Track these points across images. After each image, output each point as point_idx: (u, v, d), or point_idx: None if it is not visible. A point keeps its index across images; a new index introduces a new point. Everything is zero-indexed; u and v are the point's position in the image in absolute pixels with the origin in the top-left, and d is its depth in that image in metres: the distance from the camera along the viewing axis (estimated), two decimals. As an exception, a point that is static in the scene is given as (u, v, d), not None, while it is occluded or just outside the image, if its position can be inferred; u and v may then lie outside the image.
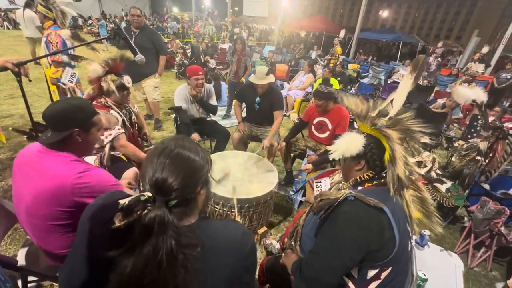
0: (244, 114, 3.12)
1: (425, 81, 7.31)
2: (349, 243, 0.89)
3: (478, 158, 2.80)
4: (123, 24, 10.32)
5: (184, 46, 7.86)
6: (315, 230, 1.01)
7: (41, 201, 1.01)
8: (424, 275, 1.32)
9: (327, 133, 2.63)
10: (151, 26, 8.62)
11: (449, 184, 2.45)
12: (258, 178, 2.13)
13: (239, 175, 2.13)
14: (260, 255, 1.98)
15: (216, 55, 8.49)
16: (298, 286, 0.96)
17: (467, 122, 3.92)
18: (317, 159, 2.43)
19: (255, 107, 2.81)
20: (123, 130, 1.86)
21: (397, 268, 0.95)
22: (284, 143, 2.70)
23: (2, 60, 1.38)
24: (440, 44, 8.73)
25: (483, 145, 2.84)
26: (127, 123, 1.98)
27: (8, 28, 13.73)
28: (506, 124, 3.15)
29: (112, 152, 1.87)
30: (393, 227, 0.90)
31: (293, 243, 1.17)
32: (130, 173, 1.80)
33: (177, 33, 12.51)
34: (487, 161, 2.76)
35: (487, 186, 2.48)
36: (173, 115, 3.28)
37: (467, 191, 2.60)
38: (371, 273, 0.93)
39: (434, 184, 2.43)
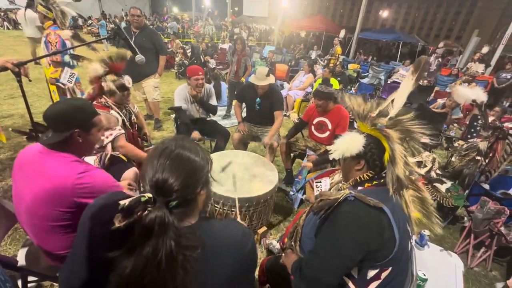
0: (244, 114, 3.12)
1: (425, 81, 7.31)
2: (349, 243, 0.89)
3: (478, 158, 2.80)
4: (123, 24, 10.32)
5: (184, 46, 7.86)
6: (315, 230, 1.01)
7: (41, 201, 1.01)
8: (424, 275, 1.32)
9: (327, 133, 2.63)
10: (151, 26, 8.63)
11: (449, 184, 2.45)
12: (258, 177, 2.13)
13: (240, 174, 2.13)
14: (260, 255, 1.98)
15: (216, 55, 8.49)
16: (298, 286, 0.96)
17: (467, 122, 3.92)
18: (317, 159, 2.44)
19: (255, 107, 2.81)
20: (123, 131, 1.87)
21: (397, 268, 0.95)
22: (285, 140, 2.70)
23: (2, 60, 1.38)
24: (441, 45, 8.73)
25: (483, 145, 2.84)
26: (127, 123, 1.98)
27: (8, 28, 13.73)
28: (506, 124, 3.16)
29: (112, 153, 1.87)
30: (393, 227, 0.90)
31: (293, 243, 1.17)
32: (130, 173, 1.80)
33: (177, 33, 12.51)
34: (487, 161, 2.76)
35: (487, 186, 2.49)
36: (173, 115, 3.28)
37: (467, 191, 2.60)
38: (371, 273, 0.93)
39: (434, 184, 2.43)
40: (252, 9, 14.90)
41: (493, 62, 8.73)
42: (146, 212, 0.59)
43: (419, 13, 36.40)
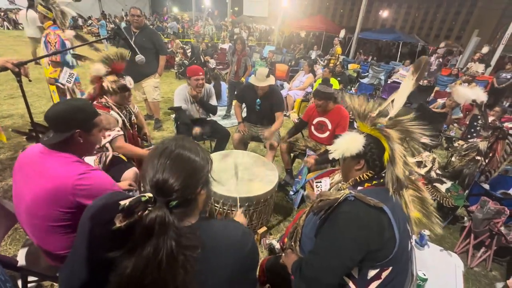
0: (244, 114, 3.12)
1: (425, 81, 7.32)
2: (349, 243, 0.89)
3: (478, 158, 2.80)
4: (123, 24, 10.31)
5: (184, 46, 7.86)
6: (315, 231, 1.01)
7: (41, 201, 1.01)
8: (424, 275, 1.32)
9: (327, 133, 2.63)
10: (151, 26, 8.63)
11: (449, 184, 2.45)
12: (259, 177, 2.13)
13: (239, 175, 2.13)
14: (260, 255, 1.98)
15: (216, 55, 8.49)
16: (298, 286, 0.96)
17: (467, 122, 3.93)
18: (317, 158, 2.44)
19: (255, 108, 2.82)
20: (121, 132, 1.86)
21: (397, 267, 0.95)
22: (286, 138, 2.71)
23: (2, 60, 1.38)
24: (442, 45, 8.74)
25: (483, 145, 2.84)
26: (127, 124, 1.98)
27: (8, 28, 13.72)
28: (506, 124, 3.15)
29: (112, 153, 1.87)
30: (393, 226, 0.90)
31: (293, 243, 1.17)
32: (130, 173, 1.80)
33: (177, 33, 12.51)
34: (487, 161, 2.76)
35: (487, 186, 2.48)
36: (173, 115, 3.28)
37: (467, 191, 2.60)
38: (372, 273, 0.93)
39: (434, 184, 2.43)
40: (252, 9, 14.90)
41: (493, 62, 8.73)
42: (147, 212, 0.59)
43: (419, 13, 36.40)
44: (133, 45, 1.99)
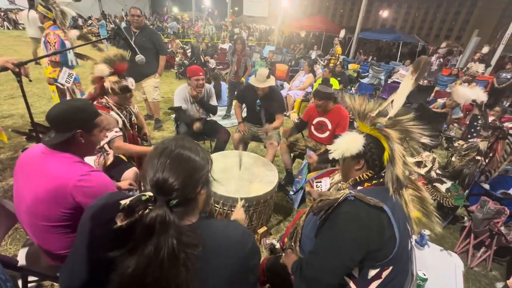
0: (244, 114, 3.12)
1: (425, 81, 7.31)
2: (349, 243, 0.89)
3: (478, 158, 2.80)
4: (123, 24, 10.32)
5: (184, 46, 7.86)
6: (315, 231, 1.01)
7: (42, 201, 1.01)
8: (424, 275, 1.32)
9: (327, 133, 2.63)
10: (151, 26, 8.63)
11: (449, 184, 2.45)
12: (258, 177, 2.13)
13: (239, 175, 2.14)
14: (260, 255, 1.98)
15: (216, 55, 8.49)
16: (298, 286, 0.96)
17: (467, 122, 3.93)
18: (319, 157, 2.44)
19: (255, 108, 2.82)
20: (120, 133, 1.86)
21: (397, 267, 0.95)
22: (288, 133, 2.73)
23: (3, 60, 1.38)
24: (443, 45, 8.74)
25: (483, 145, 2.84)
26: (127, 124, 1.98)
27: (8, 28, 13.73)
28: (506, 124, 3.15)
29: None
30: (393, 226, 0.90)
31: (293, 243, 1.17)
32: (130, 173, 1.80)
33: (177, 33, 12.51)
34: (487, 161, 2.76)
35: (487, 186, 2.48)
36: (173, 115, 3.28)
37: (467, 191, 2.60)
38: (372, 272, 0.93)
39: (434, 184, 2.43)
40: (252, 9, 14.90)
41: (493, 62, 8.73)
42: (147, 211, 0.59)
43: (419, 13, 36.40)
44: (133, 45, 1.99)
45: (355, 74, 8.25)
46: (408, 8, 36.62)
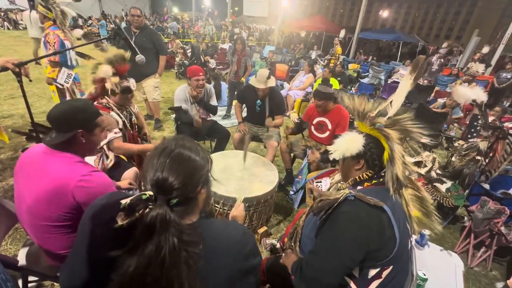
0: (244, 114, 3.13)
1: (425, 81, 7.31)
2: (349, 243, 0.89)
3: (478, 158, 2.80)
4: (123, 24, 10.32)
5: (184, 46, 7.86)
6: (315, 231, 1.01)
7: (43, 201, 1.01)
8: (424, 275, 1.32)
9: (327, 133, 2.63)
10: (151, 26, 8.64)
11: (449, 184, 2.45)
12: (259, 177, 2.14)
13: (239, 175, 2.14)
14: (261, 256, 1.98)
15: (216, 55, 8.49)
16: (298, 286, 0.96)
17: (467, 122, 3.93)
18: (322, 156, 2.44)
19: (256, 109, 2.82)
20: (119, 134, 1.86)
21: (397, 267, 0.95)
22: (289, 132, 2.75)
23: (3, 60, 1.38)
24: (445, 45, 8.74)
25: (483, 145, 2.84)
26: (128, 125, 1.98)
27: (8, 28, 13.72)
28: (506, 124, 3.15)
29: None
30: (394, 226, 0.90)
31: (293, 243, 1.17)
32: (130, 173, 1.80)
33: (177, 33, 12.51)
34: (487, 160, 2.76)
35: (487, 186, 2.48)
36: (173, 115, 3.28)
37: (467, 191, 2.60)
38: (372, 272, 0.93)
39: (434, 184, 2.43)
40: (252, 9, 14.90)
41: (493, 62, 8.73)
42: (147, 210, 0.59)
43: (419, 13, 36.36)
44: (133, 45, 1.99)
45: (355, 74, 8.25)
46: (408, 8, 36.58)
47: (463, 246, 2.25)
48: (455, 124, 4.73)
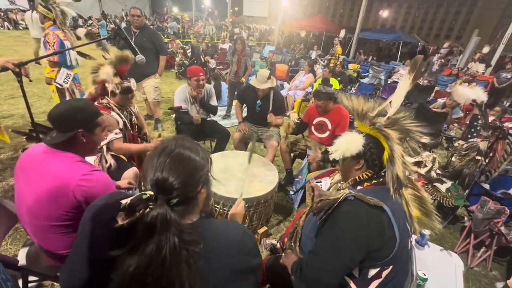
0: (244, 114, 3.13)
1: (425, 81, 7.31)
2: (350, 244, 0.89)
3: (478, 157, 2.80)
4: (123, 24, 10.32)
5: (184, 46, 7.87)
6: (315, 231, 1.01)
7: (43, 201, 1.02)
8: (424, 275, 1.32)
9: (327, 133, 2.63)
10: (151, 26, 8.63)
11: (449, 184, 2.45)
12: (258, 177, 2.13)
13: (239, 175, 2.14)
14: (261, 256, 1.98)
15: (216, 55, 8.49)
16: (298, 286, 0.96)
17: (467, 122, 3.93)
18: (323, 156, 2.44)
19: (256, 109, 2.82)
20: (120, 135, 1.86)
21: (397, 266, 0.95)
22: (289, 132, 2.75)
23: (3, 60, 1.38)
24: (446, 45, 8.74)
25: (483, 144, 2.84)
26: (128, 125, 1.98)
27: (8, 28, 13.72)
28: (506, 124, 3.15)
29: (110, 152, 1.87)
30: (393, 225, 0.90)
31: (292, 243, 1.17)
32: (130, 173, 1.80)
33: (177, 33, 12.51)
34: (487, 160, 2.76)
35: (487, 186, 2.48)
36: (173, 115, 3.28)
37: (467, 191, 2.60)
38: (372, 272, 0.93)
39: (434, 184, 2.43)
40: (252, 9, 14.89)
41: (493, 62, 8.73)
42: (148, 210, 0.59)
43: (419, 13, 36.36)
44: (133, 45, 1.99)
45: (355, 74, 8.25)
46: (408, 8, 36.57)
47: (463, 246, 2.25)
48: (455, 124, 4.73)
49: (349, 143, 1.04)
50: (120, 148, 1.86)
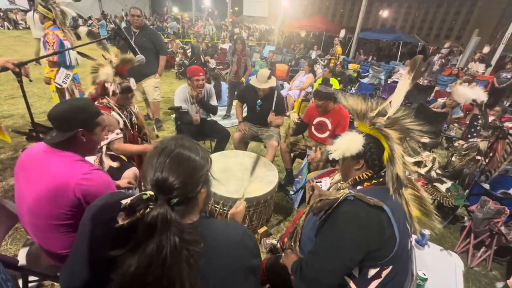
0: (244, 114, 3.13)
1: (425, 81, 7.31)
2: (349, 244, 0.89)
3: (478, 157, 2.80)
4: (123, 24, 10.32)
5: (184, 46, 7.86)
6: (315, 231, 1.01)
7: (43, 200, 1.02)
8: (424, 275, 1.32)
9: (327, 133, 2.63)
10: (151, 26, 8.64)
11: (449, 183, 2.45)
12: (258, 177, 2.13)
13: (239, 175, 2.14)
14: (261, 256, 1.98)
15: (216, 55, 8.49)
16: (298, 286, 0.96)
17: (467, 122, 3.93)
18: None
19: (256, 108, 2.82)
20: (120, 136, 1.86)
21: (397, 266, 0.95)
22: (289, 133, 2.74)
23: (3, 60, 1.38)
24: (447, 45, 8.75)
25: (483, 144, 2.84)
26: (128, 125, 1.98)
27: (8, 28, 13.72)
28: (506, 124, 3.15)
29: (110, 152, 1.87)
30: (393, 225, 0.90)
31: (292, 243, 1.17)
32: (130, 173, 1.80)
33: (177, 33, 12.51)
34: (487, 160, 2.76)
35: (487, 186, 2.48)
36: (173, 115, 3.28)
37: (467, 191, 2.60)
38: (372, 272, 0.93)
39: (434, 183, 2.43)
40: (252, 9, 14.88)
41: (493, 62, 8.73)
42: (148, 210, 0.59)
43: (419, 13, 36.35)
44: (133, 45, 1.99)
45: (355, 74, 8.25)
46: (408, 8, 36.56)
47: (463, 246, 2.25)
48: (455, 124, 4.73)
49: (349, 143, 1.04)
50: (120, 148, 1.86)
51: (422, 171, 2.40)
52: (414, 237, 1.56)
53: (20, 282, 1.21)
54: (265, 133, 2.87)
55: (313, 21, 15.13)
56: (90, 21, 14.98)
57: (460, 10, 33.56)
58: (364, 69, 8.99)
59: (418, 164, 2.42)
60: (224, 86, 5.49)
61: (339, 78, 5.61)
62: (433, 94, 6.75)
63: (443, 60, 7.94)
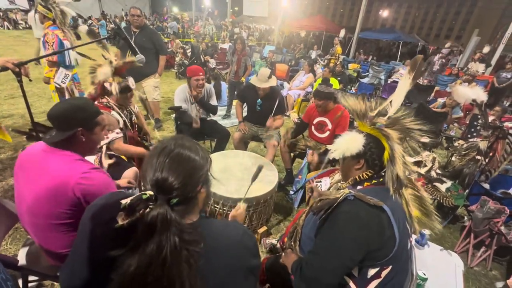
0: (244, 114, 3.13)
1: (425, 81, 7.32)
2: (349, 243, 0.89)
3: (478, 157, 2.80)
4: (123, 24, 10.32)
5: (184, 46, 7.86)
6: (315, 231, 1.01)
7: (43, 199, 1.02)
8: (424, 275, 1.32)
9: (327, 133, 2.63)
10: (151, 26, 8.62)
11: (449, 183, 2.45)
12: (258, 177, 2.13)
13: (239, 175, 2.14)
14: (260, 255, 1.98)
15: (216, 55, 8.49)
16: (298, 286, 0.96)
17: (467, 122, 3.93)
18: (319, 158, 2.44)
19: (256, 108, 2.82)
20: (121, 135, 1.86)
21: (397, 266, 0.95)
22: (288, 136, 2.75)
23: (3, 60, 1.38)
24: (447, 45, 8.75)
25: (483, 144, 2.84)
26: (128, 124, 1.98)
27: (8, 28, 13.72)
28: (506, 124, 3.16)
29: (109, 152, 1.87)
30: (393, 225, 0.90)
31: (292, 243, 1.17)
32: (130, 172, 1.80)
33: (177, 33, 12.50)
34: (487, 160, 2.76)
35: (487, 186, 2.48)
36: (173, 115, 3.28)
37: (467, 191, 2.60)
38: (372, 271, 0.93)
39: (434, 183, 2.43)
40: (252, 9, 14.89)
41: (493, 62, 8.73)
42: (148, 209, 0.59)
43: (419, 12, 36.36)
44: (133, 45, 1.99)
45: (355, 74, 8.25)
46: (408, 8, 36.57)
47: (463, 246, 2.26)
48: (455, 124, 4.73)
49: (349, 143, 1.04)
50: (119, 148, 1.86)
51: (422, 171, 2.41)
52: (414, 237, 1.56)
53: (20, 282, 1.21)
54: (265, 133, 2.87)
55: (313, 21, 15.13)
56: (90, 21, 14.98)
57: (460, 10, 33.58)
58: (364, 69, 8.99)
59: (418, 164, 2.42)
60: (224, 86, 5.48)
61: (339, 78, 5.62)
62: (433, 94, 6.75)
63: (443, 60, 7.95)
